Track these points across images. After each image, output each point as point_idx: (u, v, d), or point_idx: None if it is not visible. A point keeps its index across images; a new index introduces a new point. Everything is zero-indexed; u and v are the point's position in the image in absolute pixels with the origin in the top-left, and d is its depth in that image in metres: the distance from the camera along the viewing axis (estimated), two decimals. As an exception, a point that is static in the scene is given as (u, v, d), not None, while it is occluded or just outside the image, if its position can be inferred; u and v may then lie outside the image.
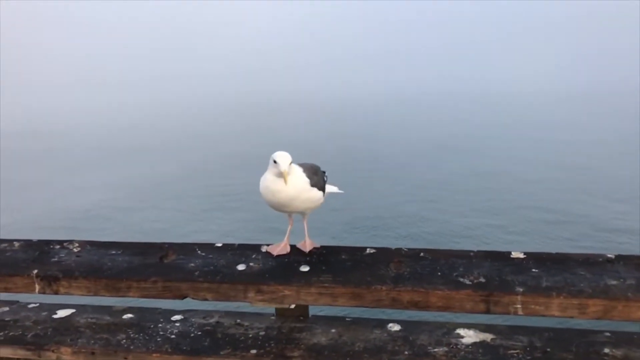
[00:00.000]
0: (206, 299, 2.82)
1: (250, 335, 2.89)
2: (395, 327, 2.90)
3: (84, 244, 3.28)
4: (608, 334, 2.74)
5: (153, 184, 32.07)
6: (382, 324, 2.96)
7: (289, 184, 2.88)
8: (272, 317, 3.09)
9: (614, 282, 2.52)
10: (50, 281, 2.96)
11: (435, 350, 2.67)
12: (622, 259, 2.71)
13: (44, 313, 3.27)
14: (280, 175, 2.87)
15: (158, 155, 43.25)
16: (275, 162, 2.87)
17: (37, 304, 3.40)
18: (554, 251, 2.84)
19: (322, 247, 3.09)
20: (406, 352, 2.66)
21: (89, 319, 3.17)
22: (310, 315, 3.09)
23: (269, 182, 2.94)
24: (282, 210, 3.06)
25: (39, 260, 3.11)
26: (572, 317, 2.48)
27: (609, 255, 2.74)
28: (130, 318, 3.16)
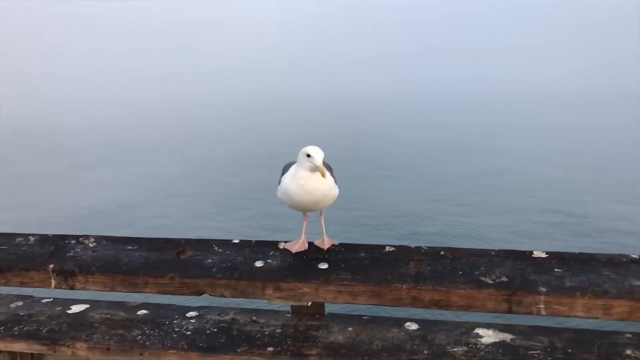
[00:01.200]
0: (224, 296, 2.80)
1: (267, 333, 2.87)
2: (413, 326, 2.87)
3: (99, 239, 3.27)
4: (629, 335, 2.70)
5: (161, 181, 32.11)
6: (399, 322, 2.93)
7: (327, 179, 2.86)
8: (288, 315, 3.06)
9: (639, 283, 2.47)
10: (66, 276, 2.95)
11: (455, 349, 2.63)
12: None
13: (58, 308, 3.26)
14: (315, 169, 2.82)
15: (167, 152, 43.33)
16: (309, 155, 2.82)
17: (51, 299, 3.39)
18: (576, 251, 2.79)
19: (341, 244, 3.06)
20: (425, 352, 2.63)
21: (104, 315, 3.15)
22: (326, 313, 3.07)
23: (303, 179, 2.86)
24: (307, 209, 3.05)
25: (55, 255, 3.10)
26: (596, 318, 2.44)
27: (634, 256, 2.69)
28: (145, 314, 3.14)
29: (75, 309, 3.24)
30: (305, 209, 3.06)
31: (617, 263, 2.66)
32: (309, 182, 2.86)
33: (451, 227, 21.10)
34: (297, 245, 3.03)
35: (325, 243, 3.03)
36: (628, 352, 2.55)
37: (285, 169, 3.07)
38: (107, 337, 2.89)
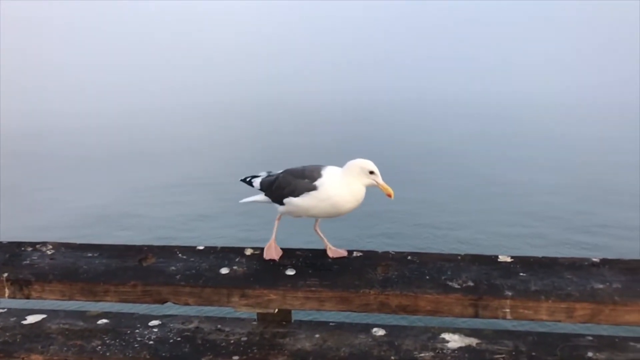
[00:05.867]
0: (188, 304, 2.73)
1: (232, 341, 2.81)
2: (380, 332, 2.86)
3: (58, 246, 3.15)
4: (590, 337, 2.75)
5: (154, 187, 31.28)
6: (366, 328, 2.91)
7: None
8: (254, 322, 3.00)
9: (601, 286, 2.53)
10: (21, 285, 2.83)
11: (422, 355, 2.63)
12: (607, 263, 2.73)
13: (13, 319, 3.11)
14: (374, 185, 2.94)
15: (164, 159, 42.26)
16: (372, 172, 2.92)
17: (5, 309, 3.24)
18: (540, 255, 2.83)
19: (309, 250, 3.04)
20: (392, 358, 2.62)
21: (61, 325, 3.03)
22: (293, 320, 3.03)
23: (358, 193, 2.95)
24: (331, 216, 3.05)
25: (9, 263, 2.97)
26: (559, 321, 2.47)
27: (594, 259, 2.76)
28: (106, 323, 3.04)
29: (31, 319, 3.11)
30: (329, 216, 3.06)
31: (579, 267, 2.71)
32: (360, 193, 2.96)
33: (434, 232, 21.21)
34: (271, 251, 3.01)
35: (339, 251, 3.03)
36: (590, 354, 2.59)
37: (288, 180, 3.06)
38: (65, 349, 2.77)
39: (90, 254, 3.04)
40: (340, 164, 3.08)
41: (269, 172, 3.31)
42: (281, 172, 3.18)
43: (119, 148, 47.95)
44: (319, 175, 2.99)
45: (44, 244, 3.16)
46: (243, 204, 3.43)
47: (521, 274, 2.66)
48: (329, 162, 3.16)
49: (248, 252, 3.03)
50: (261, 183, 3.24)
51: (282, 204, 3.08)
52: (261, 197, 3.25)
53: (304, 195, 2.98)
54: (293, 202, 3.01)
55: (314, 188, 2.96)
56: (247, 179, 3.32)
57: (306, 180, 2.99)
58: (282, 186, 3.06)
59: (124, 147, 48.34)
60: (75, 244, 3.17)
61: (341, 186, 2.94)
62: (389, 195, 2.93)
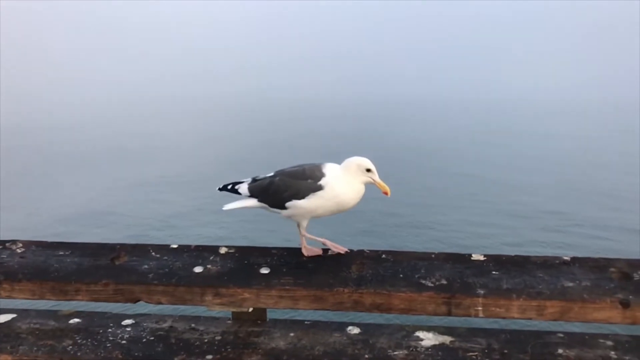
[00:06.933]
0: (160, 303, 2.70)
1: (206, 340, 2.79)
2: (355, 330, 2.86)
3: (28, 244, 3.09)
4: (561, 335, 2.80)
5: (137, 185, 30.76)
6: (341, 327, 2.92)
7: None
8: (229, 321, 2.99)
9: (571, 284, 2.57)
10: None
11: (395, 353, 2.64)
12: (577, 261, 2.77)
13: None
14: (371, 183, 2.94)
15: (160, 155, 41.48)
16: (368, 170, 2.92)
17: None
18: (512, 253, 2.87)
19: (284, 248, 3.03)
20: (366, 356, 2.63)
21: (32, 325, 2.97)
22: (268, 319, 3.02)
23: (360, 190, 2.97)
24: (332, 214, 3.04)
25: None
26: (530, 319, 2.51)
27: (565, 258, 2.80)
28: (78, 323, 2.99)
29: (1, 319, 3.04)
30: (331, 214, 3.05)
31: (550, 265, 2.75)
32: (362, 190, 2.98)
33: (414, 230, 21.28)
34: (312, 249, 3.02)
35: (314, 250, 3.03)
36: (560, 351, 2.64)
37: (287, 183, 2.98)
38: (35, 348, 2.72)
39: (61, 253, 2.99)
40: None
41: (254, 178, 3.15)
42: (274, 175, 3.05)
43: (94, 145, 47.22)
44: (321, 174, 2.94)
45: (14, 242, 3.10)
46: (228, 210, 3.16)
47: (494, 272, 2.70)
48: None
49: (223, 250, 3.01)
50: (251, 189, 3.06)
51: (283, 208, 2.97)
52: (252, 202, 3.07)
53: (309, 196, 2.92)
54: (298, 205, 2.93)
55: (320, 188, 2.91)
56: (229, 187, 3.13)
57: (309, 180, 2.93)
58: (282, 189, 2.96)
59: (99, 145, 47.62)
60: (46, 242, 3.12)
61: (345, 184, 2.92)
62: (386, 193, 2.94)
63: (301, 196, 2.92)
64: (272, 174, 3.09)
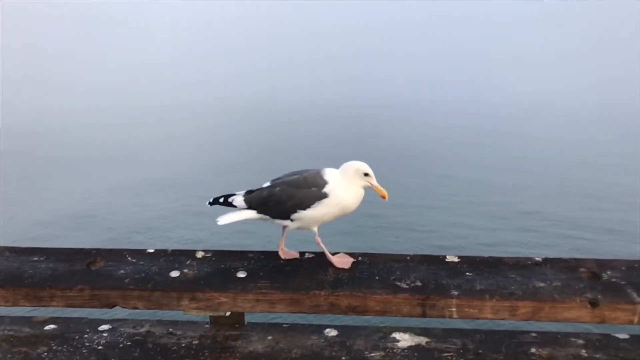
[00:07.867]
0: (137, 308, 2.69)
1: (183, 345, 2.78)
2: (332, 333, 2.89)
3: (2, 250, 3.05)
4: (534, 334, 2.85)
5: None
6: (319, 329, 2.94)
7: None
8: (206, 325, 2.99)
9: (542, 285, 2.63)
10: None
11: (372, 355, 2.67)
12: (549, 262, 2.83)
13: None
14: (368, 187, 2.95)
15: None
16: (366, 174, 2.93)
17: None
18: (486, 255, 2.92)
19: (261, 252, 3.04)
20: (343, 358, 2.65)
21: (6, 332, 2.94)
22: (246, 322, 3.02)
23: (360, 194, 2.97)
24: (333, 219, 3.03)
25: None
26: (503, 319, 2.55)
27: (537, 259, 2.86)
28: (53, 329, 2.96)
29: None
30: (334, 219, 3.03)
31: (522, 266, 2.81)
32: (362, 194, 2.99)
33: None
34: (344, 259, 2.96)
35: (290, 253, 3.04)
36: (533, 350, 2.69)
37: (289, 193, 2.92)
38: (9, 356, 2.69)
39: (36, 258, 2.96)
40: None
41: (247, 190, 3.06)
42: (272, 185, 2.98)
43: (74, 149, 46.52)
44: (323, 182, 2.91)
45: None
46: (224, 225, 2.97)
47: (467, 273, 2.74)
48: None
49: (199, 254, 3.01)
50: (248, 201, 2.96)
51: (287, 218, 2.92)
52: (250, 214, 2.98)
53: (315, 205, 2.88)
54: (305, 214, 2.89)
55: (325, 196, 2.88)
56: (221, 200, 3.02)
57: (313, 188, 2.89)
58: (284, 200, 2.89)
59: (79, 149, 46.92)
60: (20, 247, 3.08)
61: (346, 189, 2.92)
62: (384, 197, 2.96)
63: (306, 205, 2.88)
64: (268, 183, 3.02)
